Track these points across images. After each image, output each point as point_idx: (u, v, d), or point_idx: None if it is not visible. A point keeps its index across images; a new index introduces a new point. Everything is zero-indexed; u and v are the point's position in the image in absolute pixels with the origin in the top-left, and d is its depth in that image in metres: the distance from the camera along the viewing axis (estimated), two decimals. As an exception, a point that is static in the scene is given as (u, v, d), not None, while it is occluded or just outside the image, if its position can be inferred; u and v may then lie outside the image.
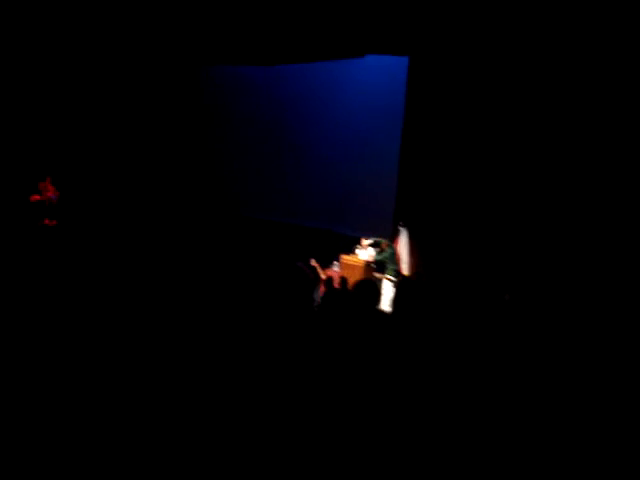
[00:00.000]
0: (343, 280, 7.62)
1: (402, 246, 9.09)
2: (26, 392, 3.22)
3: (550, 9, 7.80)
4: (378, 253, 9.16)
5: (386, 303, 8.93)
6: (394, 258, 9.11)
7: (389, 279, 9.00)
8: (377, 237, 9.19)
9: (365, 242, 9.24)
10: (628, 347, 4.97)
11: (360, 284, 5.37)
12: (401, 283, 9.04)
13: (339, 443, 2.91)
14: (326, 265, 9.60)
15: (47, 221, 9.48)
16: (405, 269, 9.11)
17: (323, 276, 8.23)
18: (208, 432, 3.00)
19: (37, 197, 9.45)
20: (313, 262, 8.42)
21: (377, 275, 9.12)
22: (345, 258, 9.25)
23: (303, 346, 3.75)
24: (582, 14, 7.62)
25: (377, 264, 9.18)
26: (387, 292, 9.06)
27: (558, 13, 7.79)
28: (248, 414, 3.10)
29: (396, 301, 7.87)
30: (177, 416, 3.10)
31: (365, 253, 9.20)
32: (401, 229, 9.09)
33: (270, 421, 2.99)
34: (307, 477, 2.74)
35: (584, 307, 7.04)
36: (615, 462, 2.85)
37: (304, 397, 3.17)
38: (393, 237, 9.22)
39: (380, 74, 9.57)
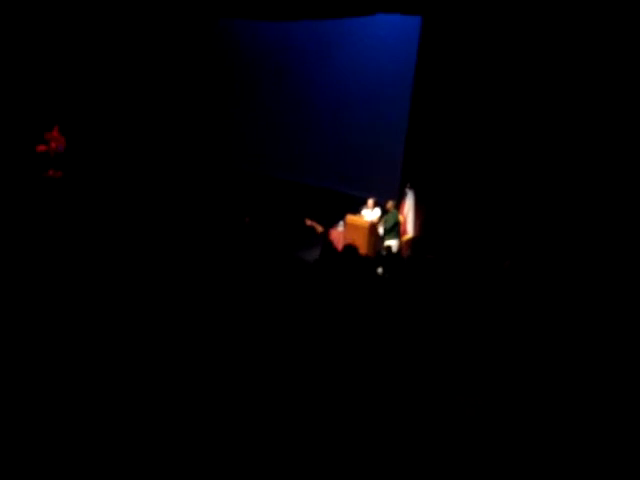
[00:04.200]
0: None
1: (408, 208, 9.05)
2: (25, 382, 3.15)
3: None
4: (384, 214, 9.11)
5: (386, 266, 8.99)
6: (397, 220, 9.07)
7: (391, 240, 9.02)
8: (383, 198, 9.12)
9: (371, 202, 9.18)
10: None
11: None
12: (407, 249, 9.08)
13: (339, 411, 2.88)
14: (331, 225, 9.56)
15: (52, 172, 9.43)
16: (410, 231, 9.08)
17: (320, 229, 8.18)
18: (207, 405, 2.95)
19: (43, 147, 9.38)
20: (308, 222, 8.38)
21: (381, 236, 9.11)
22: (351, 218, 9.20)
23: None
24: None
25: (382, 225, 9.15)
26: (389, 254, 9.08)
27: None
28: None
29: (398, 265, 7.89)
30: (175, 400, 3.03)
31: (371, 214, 9.15)
32: (408, 191, 9.04)
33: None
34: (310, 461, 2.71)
35: (583, 275, 7.00)
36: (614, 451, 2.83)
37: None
38: (399, 199, 9.17)
39: (392, 33, 9.44)
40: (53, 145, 9.42)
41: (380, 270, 8.87)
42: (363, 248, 8.96)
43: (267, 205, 8.92)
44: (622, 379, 3.56)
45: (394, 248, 9.06)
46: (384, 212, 9.12)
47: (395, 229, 9.03)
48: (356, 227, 9.12)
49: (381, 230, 9.09)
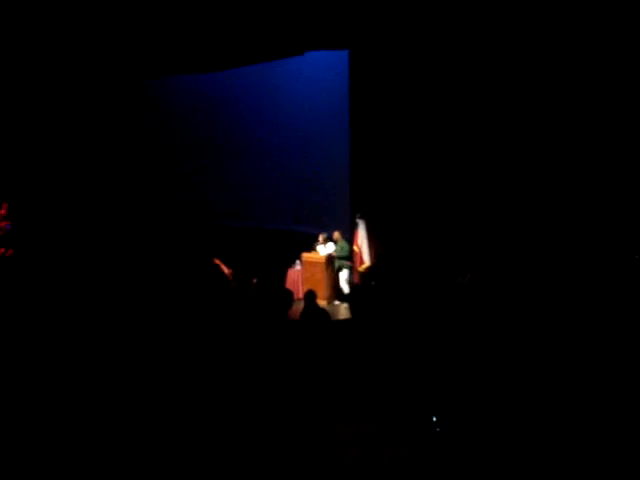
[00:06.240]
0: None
1: (362, 238, 9.06)
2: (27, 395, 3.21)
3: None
4: (337, 247, 9.16)
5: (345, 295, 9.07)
6: (350, 249, 9.13)
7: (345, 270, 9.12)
8: (335, 230, 9.17)
9: (322, 238, 9.24)
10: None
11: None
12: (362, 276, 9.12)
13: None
14: (289, 265, 9.58)
15: (2, 250, 9.34)
16: (367, 260, 9.08)
17: (226, 270, 8.18)
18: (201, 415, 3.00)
19: (-9, 227, 9.33)
20: (216, 261, 8.37)
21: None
22: (306, 256, 9.23)
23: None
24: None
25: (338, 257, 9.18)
26: (344, 282, 9.15)
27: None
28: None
29: (357, 293, 7.88)
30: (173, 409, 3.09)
31: (325, 249, 9.18)
32: (359, 221, 9.06)
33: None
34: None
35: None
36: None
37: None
38: (352, 229, 9.20)
39: (322, 69, 9.57)
40: (2, 224, 9.37)
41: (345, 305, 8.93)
42: (322, 283, 8.99)
43: (227, 253, 8.86)
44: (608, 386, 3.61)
45: (346, 278, 9.17)
46: (335, 243, 9.19)
47: (349, 259, 9.12)
48: (313, 264, 9.15)
49: (337, 263, 9.18)
